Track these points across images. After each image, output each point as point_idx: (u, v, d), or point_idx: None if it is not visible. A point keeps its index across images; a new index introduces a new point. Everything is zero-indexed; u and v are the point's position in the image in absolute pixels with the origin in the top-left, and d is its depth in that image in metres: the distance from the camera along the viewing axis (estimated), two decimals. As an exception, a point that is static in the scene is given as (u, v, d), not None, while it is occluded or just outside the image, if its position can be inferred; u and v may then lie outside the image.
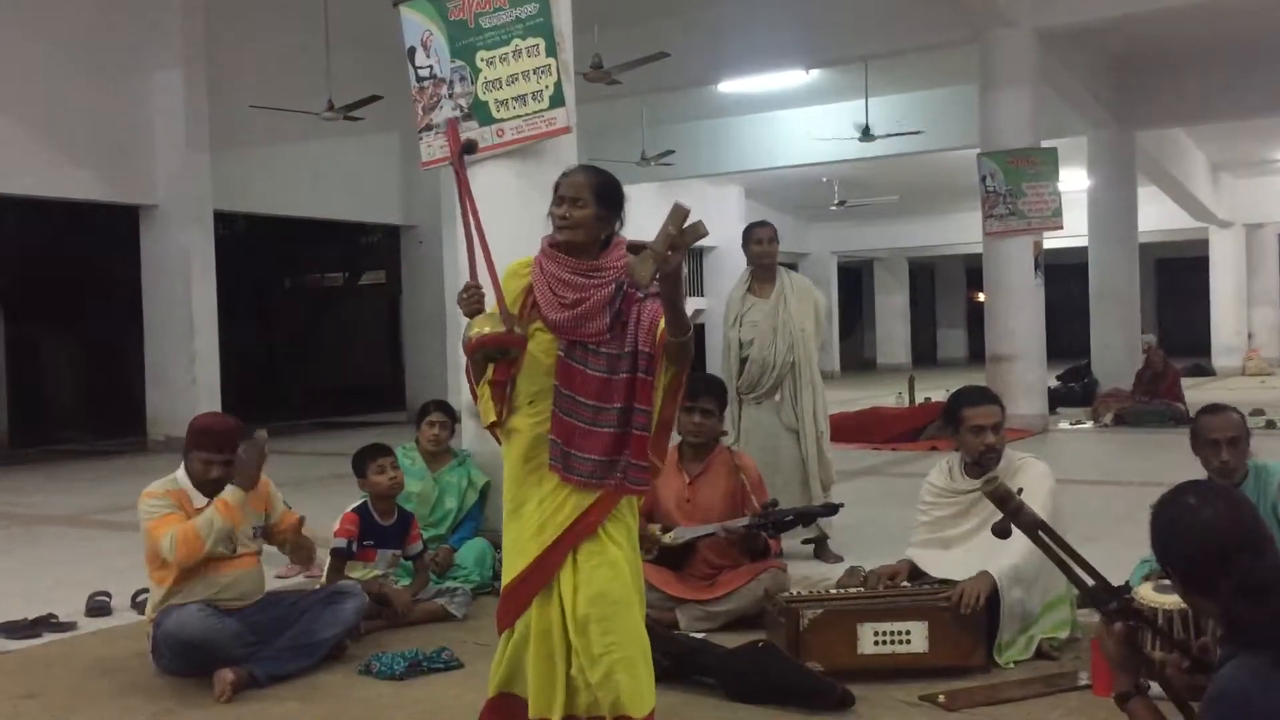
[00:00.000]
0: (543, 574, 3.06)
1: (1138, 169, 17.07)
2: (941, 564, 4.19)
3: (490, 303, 3.15)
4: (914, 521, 4.47)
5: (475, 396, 3.26)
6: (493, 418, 3.17)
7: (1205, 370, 23.08)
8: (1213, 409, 4.11)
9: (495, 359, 3.08)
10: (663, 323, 2.97)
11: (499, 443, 3.22)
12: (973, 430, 4.19)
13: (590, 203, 3.09)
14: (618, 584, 3.05)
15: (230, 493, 4.03)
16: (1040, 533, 2.33)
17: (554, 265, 3.10)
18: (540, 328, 3.08)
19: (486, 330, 3.00)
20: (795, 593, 4.30)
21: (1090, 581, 2.42)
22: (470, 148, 3.32)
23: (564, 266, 3.08)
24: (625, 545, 3.10)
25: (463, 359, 3.25)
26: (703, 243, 18.24)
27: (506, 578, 3.15)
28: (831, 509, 5.25)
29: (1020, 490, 3.87)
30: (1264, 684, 1.91)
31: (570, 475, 3.04)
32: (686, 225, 2.72)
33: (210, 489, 4.12)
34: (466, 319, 3.10)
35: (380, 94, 11.55)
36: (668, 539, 4.70)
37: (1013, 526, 2.44)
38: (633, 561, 3.12)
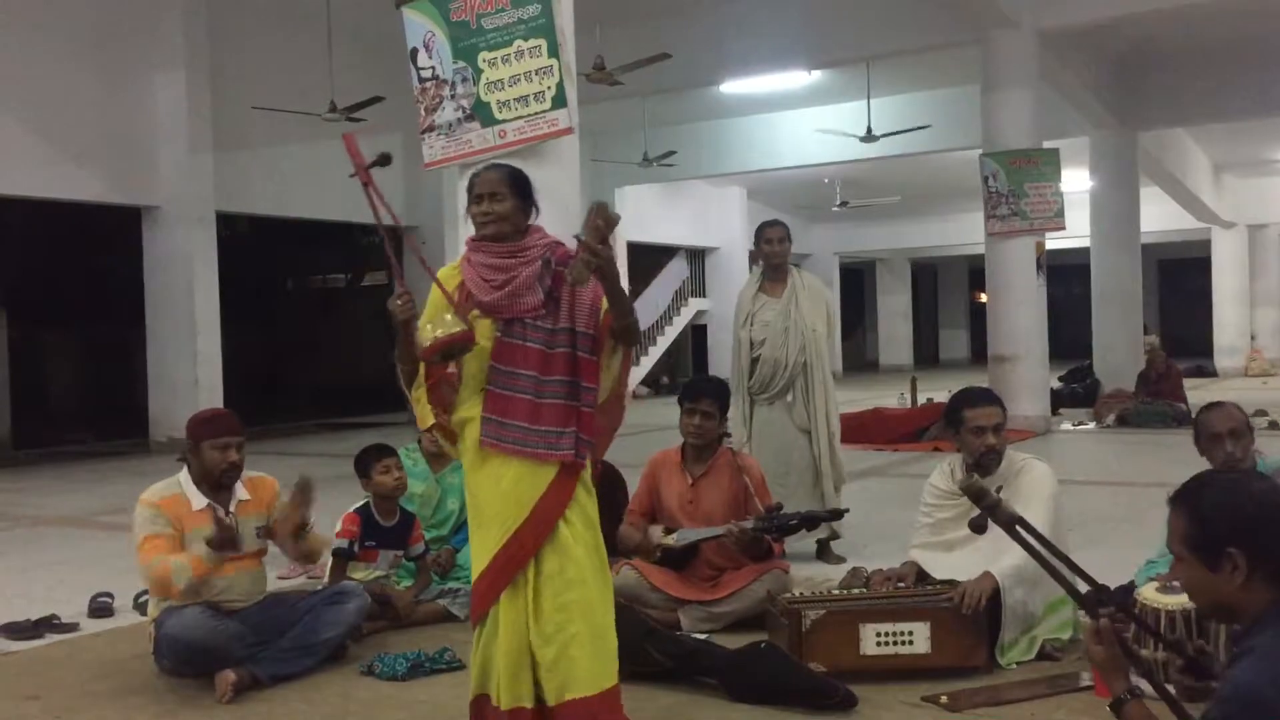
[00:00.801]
0: (511, 563, 3.09)
1: (1140, 169, 17.05)
2: (944, 565, 4.18)
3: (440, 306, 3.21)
4: (916, 523, 4.46)
5: (410, 400, 3.30)
6: (431, 420, 3.24)
7: (1208, 371, 23.07)
8: (1214, 406, 4.13)
9: (451, 358, 3.14)
10: (605, 305, 3.14)
11: (435, 443, 3.26)
12: (974, 431, 4.19)
13: (508, 195, 3.24)
14: (570, 564, 3.10)
15: (206, 554, 3.97)
16: (1019, 528, 2.31)
17: (480, 255, 3.24)
18: (479, 315, 3.17)
19: (441, 333, 3.04)
20: (798, 594, 4.30)
21: (1071, 578, 2.40)
22: (384, 161, 3.35)
23: (490, 253, 3.22)
24: (578, 524, 3.15)
25: None
26: (705, 243, 18.31)
27: (475, 568, 3.17)
28: (837, 514, 5.24)
29: (999, 488, 3.89)
30: (1277, 682, 1.89)
31: (503, 444, 3.10)
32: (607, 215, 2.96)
33: (228, 478, 4.13)
34: (399, 324, 3.15)
35: (382, 95, 11.55)
36: (670, 540, 4.70)
37: (989, 522, 2.43)
38: (586, 539, 3.16)
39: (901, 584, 4.19)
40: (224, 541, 4.00)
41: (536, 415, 3.11)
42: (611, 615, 3.20)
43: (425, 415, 3.25)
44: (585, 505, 3.19)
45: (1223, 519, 2.04)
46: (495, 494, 3.13)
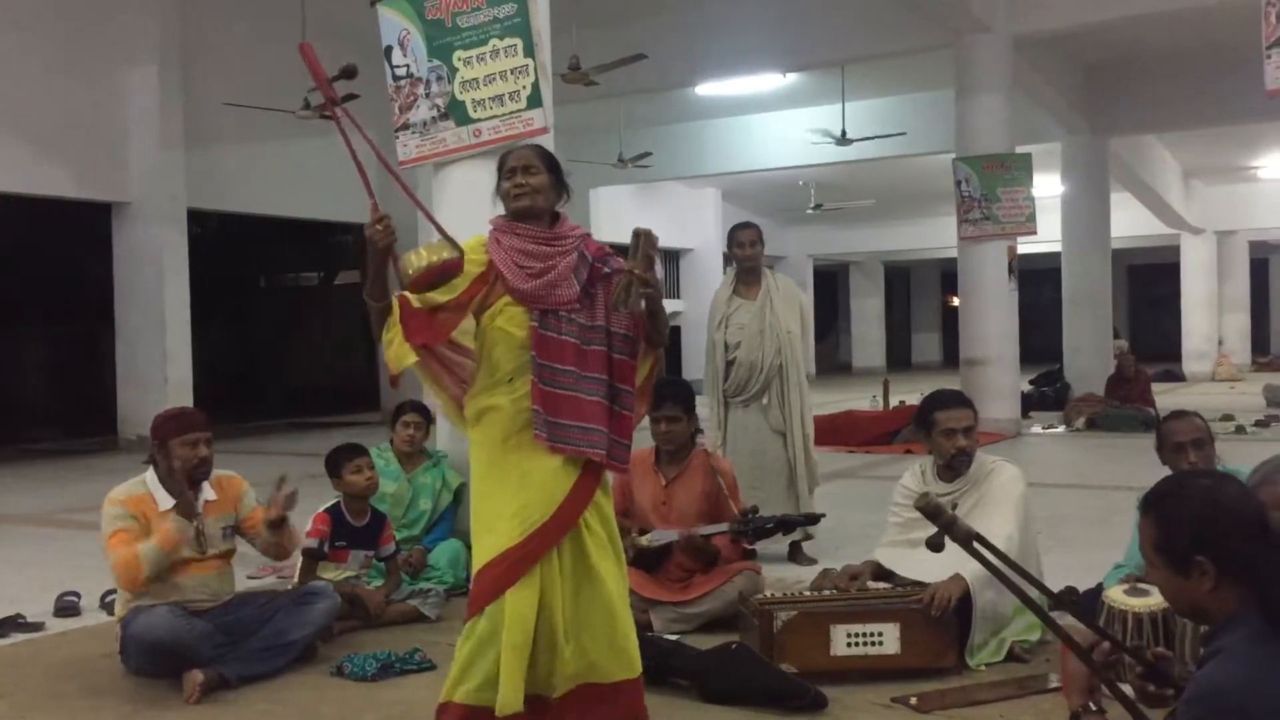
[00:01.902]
0: (528, 559, 3.02)
1: (1111, 175, 17.20)
2: (913, 564, 4.18)
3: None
4: (886, 522, 4.48)
5: (380, 341, 3.13)
6: (409, 359, 3.08)
7: (1176, 375, 23.29)
8: (1175, 415, 4.16)
9: (435, 289, 3.01)
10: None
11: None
12: (944, 433, 4.21)
13: (542, 169, 3.18)
14: (588, 562, 3.08)
15: (173, 521, 3.98)
16: (975, 544, 2.31)
17: (513, 239, 3.14)
18: (510, 302, 3.10)
19: (434, 259, 2.89)
20: (769, 595, 4.30)
21: (1030, 592, 2.40)
22: (350, 73, 3.14)
23: (525, 238, 3.13)
24: (595, 523, 3.13)
25: None
26: (679, 244, 18.26)
27: (481, 559, 3.09)
28: (813, 519, 5.27)
29: (955, 506, 3.89)
30: (1245, 683, 1.91)
31: (558, 444, 3.04)
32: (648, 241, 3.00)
33: (198, 474, 4.10)
34: (377, 251, 2.97)
35: (357, 93, 11.48)
36: (644, 541, 4.70)
37: (947, 540, 2.42)
38: (602, 537, 3.14)
39: (858, 581, 4.20)
40: (188, 507, 4.00)
41: (581, 412, 3.07)
42: (629, 610, 3.19)
43: (401, 356, 3.09)
44: (603, 504, 3.18)
45: (1191, 528, 2.05)
46: (518, 488, 3.06)
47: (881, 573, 4.28)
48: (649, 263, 2.97)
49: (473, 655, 3.07)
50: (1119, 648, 2.21)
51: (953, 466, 4.25)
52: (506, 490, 3.08)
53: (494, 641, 3.04)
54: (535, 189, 3.15)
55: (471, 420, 3.18)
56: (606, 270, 3.18)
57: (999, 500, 4.15)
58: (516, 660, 3.01)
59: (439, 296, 3.07)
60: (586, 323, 3.11)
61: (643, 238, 2.97)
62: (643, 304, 3.02)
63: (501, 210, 3.26)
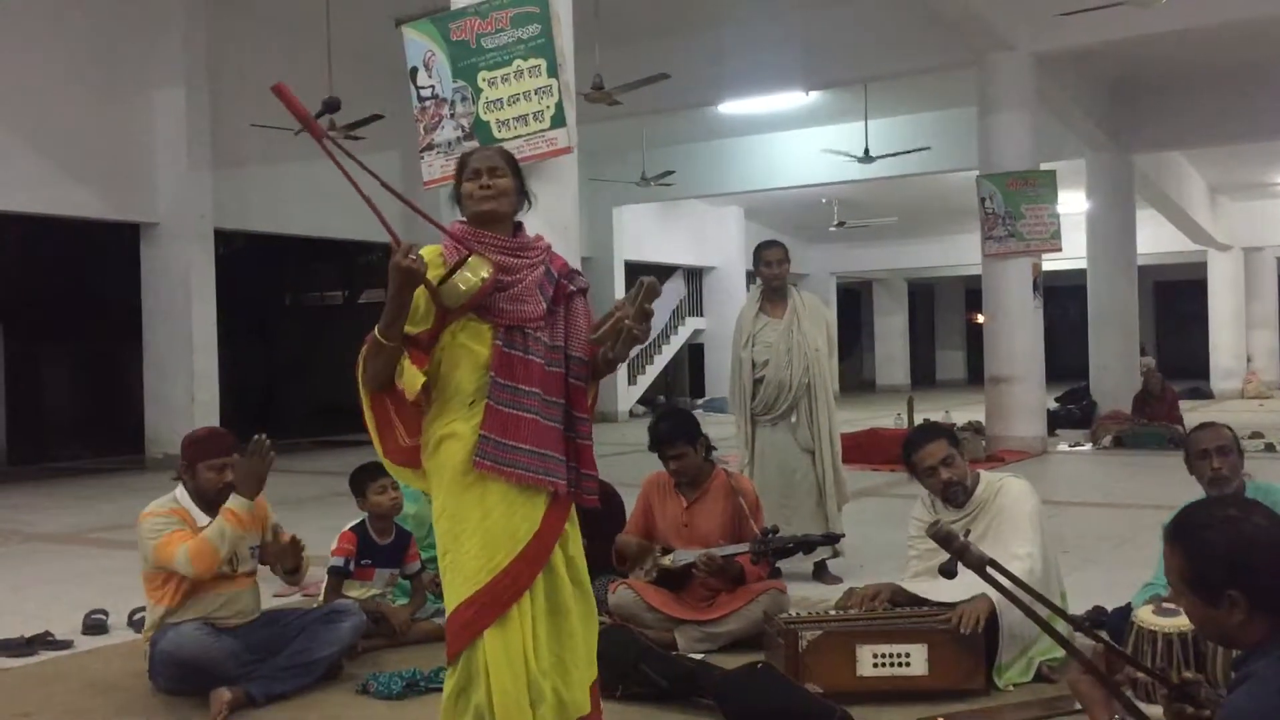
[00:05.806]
0: (500, 599, 2.85)
1: (1136, 192, 17.11)
2: (941, 592, 4.15)
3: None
4: (906, 555, 4.44)
5: (369, 378, 3.01)
6: (420, 382, 2.91)
7: (1204, 393, 23.08)
8: (1203, 425, 4.15)
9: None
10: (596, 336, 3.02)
11: (422, 397, 2.93)
12: (925, 473, 4.20)
13: (508, 172, 3.02)
14: (560, 592, 2.96)
15: (235, 501, 4.01)
16: (989, 569, 2.29)
17: (478, 247, 2.93)
18: (472, 317, 2.90)
19: (486, 274, 2.77)
20: (794, 614, 4.29)
21: (1043, 614, 2.38)
22: (333, 105, 3.03)
23: (489, 248, 2.93)
24: (562, 550, 2.98)
25: None
26: (702, 262, 18.24)
27: (452, 603, 2.90)
28: (833, 538, 5.25)
29: (968, 532, 3.87)
30: (1275, 710, 1.89)
31: (506, 469, 2.85)
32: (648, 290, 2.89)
33: (221, 498, 4.12)
34: (409, 283, 2.78)
35: (382, 113, 11.58)
36: (666, 561, 4.70)
37: (959, 566, 2.40)
38: (572, 564, 3.00)
39: (877, 600, 4.16)
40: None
41: (541, 438, 2.90)
42: (595, 641, 3.06)
43: (414, 377, 2.90)
44: (569, 532, 3.02)
45: (1222, 561, 2.00)
46: (481, 523, 2.87)
47: (902, 597, 4.23)
48: (644, 315, 2.85)
49: (459, 699, 2.90)
50: (1144, 671, 2.18)
51: (948, 498, 4.21)
52: (467, 526, 2.87)
53: (471, 693, 2.87)
54: (501, 191, 2.96)
55: (428, 451, 2.98)
56: (572, 288, 3.03)
57: (1014, 519, 4.11)
58: (513, 704, 2.83)
59: (410, 328, 2.89)
60: (549, 342, 2.95)
61: (644, 288, 2.85)
62: (629, 350, 2.90)
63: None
